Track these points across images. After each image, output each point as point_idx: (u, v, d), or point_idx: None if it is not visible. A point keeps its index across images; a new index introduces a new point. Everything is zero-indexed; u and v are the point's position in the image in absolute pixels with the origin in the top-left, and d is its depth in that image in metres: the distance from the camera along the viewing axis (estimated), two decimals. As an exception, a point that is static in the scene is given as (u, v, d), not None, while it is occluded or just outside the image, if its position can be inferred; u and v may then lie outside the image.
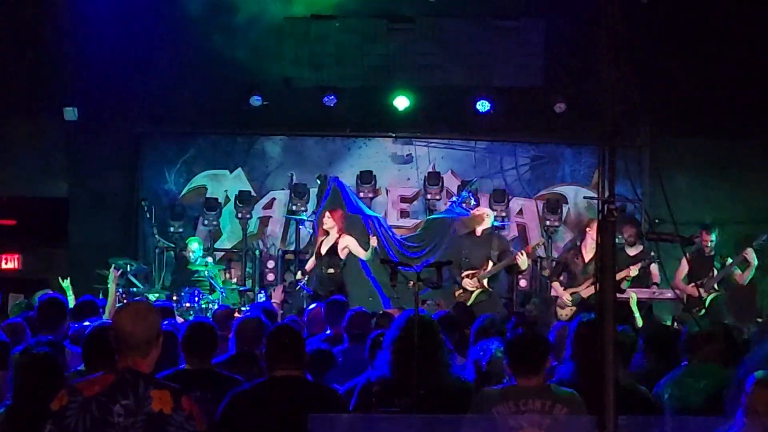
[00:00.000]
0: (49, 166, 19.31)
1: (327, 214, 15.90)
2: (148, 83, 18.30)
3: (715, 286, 14.95)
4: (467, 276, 15.34)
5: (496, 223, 16.77)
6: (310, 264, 16.09)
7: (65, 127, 18.87)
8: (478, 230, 15.56)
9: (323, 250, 15.63)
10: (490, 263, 15.34)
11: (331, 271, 15.61)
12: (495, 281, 15.73)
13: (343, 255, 15.61)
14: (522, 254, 15.31)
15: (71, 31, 17.92)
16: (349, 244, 15.60)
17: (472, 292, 15.32)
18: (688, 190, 17.80)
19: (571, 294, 15.04)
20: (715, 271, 15.01)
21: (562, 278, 15.48)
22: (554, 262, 16.85)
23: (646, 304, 14.59)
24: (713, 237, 15.05)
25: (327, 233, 15.72)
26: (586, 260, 14.82)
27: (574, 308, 14.84)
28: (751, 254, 14.97)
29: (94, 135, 18.80)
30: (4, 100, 18.55)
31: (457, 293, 15.45)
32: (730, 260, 15.11)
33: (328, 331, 10.62)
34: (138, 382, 4.88)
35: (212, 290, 16.57)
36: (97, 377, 4.98)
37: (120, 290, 15.39)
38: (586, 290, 14.64)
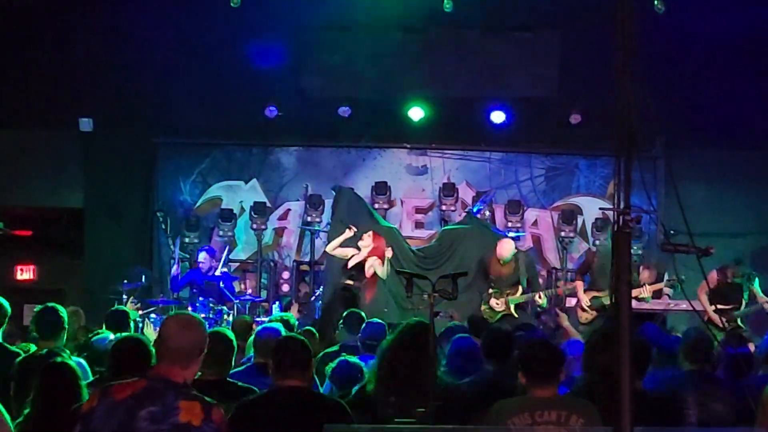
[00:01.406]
0: (64, 177, 19.36)
1: (371, 234, 15.97)
2: (163, 94, 18.33)
3: (739, 321, 14.76)
4: (495, 296, 15.47)
5: (512, 234, 16.82)
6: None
7: (81, 138, 18.93)
8: (503, 264, 15.72)
9: (350, 263, 15.73)
10: (520, 288, 15.48)
11: (350, 282, 15.66)
12: (521, 309, 15.80)
13: (368, 274, 15.74)
14: (540, 297, 15.52)
15: (87, 43, 17.95)
16: (374, 265, 15.70)
17: (498, 312, 15.46)
18: (703, 201, 17.76)
19: (592, 298, 15.05)
20: (743, 303, 14.81)
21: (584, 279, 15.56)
22: (580, 263, 16.79)
23: (660, 316, 14.55)
24: (741, 271, 14.84)
25: (359, 249, 15.81)
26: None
27: (594, 313, 14.86)
28: None
29: (110, 146, 18.84)
30: (20, 112, 18.59)
31: (483, 308, 15.55)
32: (758, 290, 14.86)
33: (351, 341, 10.64)
34: (168, 390, 4.89)
35: (226, 301, 16.60)
36: (130, 382, 4.99)
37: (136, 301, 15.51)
38: (608, 298, 14.60)
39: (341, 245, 16.34)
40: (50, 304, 8.98)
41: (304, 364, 6.60)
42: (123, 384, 4.99)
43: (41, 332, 8.70)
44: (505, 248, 15.83)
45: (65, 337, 8.91)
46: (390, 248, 16.27)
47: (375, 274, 15.76)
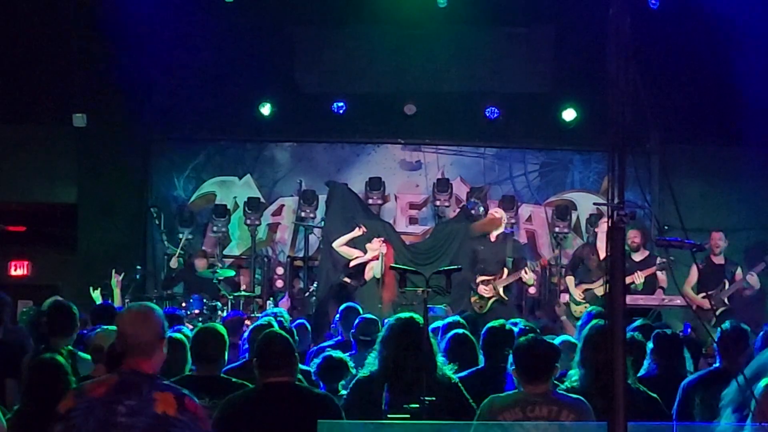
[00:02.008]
0: (58, 173, 19.33)
1: (381, 240, 16.02)
2: (157, 90, 18.32)
3: (725, 300, 14.85)
4: (483, 282, 15.40)
5: (506, 230, 16.82)
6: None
7: (74, 134, 18.87)
8: (493, 235, 15.60)
9: (352, 263, 15.79)
10: (506, 270, 15.41)
11: (347, 280, 15.68)
12: (509, 290, 15.76)
13: (367, 277, 15.80)
14: (526, 272, 15.42)
15: (79, 38, 17.92)
16: (374, 268, 15.75)
17: (489, 299, 15.39)
18: (697, 197, 17.76)
19: (584, 291, 15.07)
20: (726, 283, 14.93)
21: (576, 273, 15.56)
22: (571, 258, 16.78)
23: (655, 311, 14.57)
24: (722, 235, 14.99)
25: (365, 251, 15.85)
26: (601, 257, 14.80)
27: (587, 305, 14.86)
28: (754, 280, 14.97)
29: (103, 141, 18.79)
30: (13, 107, 18.58)
31: (473, 299, 15.51)
32: (740, 272, 15.04)
33: (340, 337, 10.66)
34: (142, 383, 4.91)
35: (221, 297, 16.61)
36: (103, 379, 5.04)
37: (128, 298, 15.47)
38: (600, 288, 14.61)
39: (347, 244, 16.38)
40: (61, 301, 8.96)
41: (288, 360, 6.58)
42: (96, 382, 5.04)
43: (53, 329, 8.65)
44: (497, 216, 15.82)
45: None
46: (385, 243, 16.29)
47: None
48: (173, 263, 17.58)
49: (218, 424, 6.26)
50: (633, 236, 15.03)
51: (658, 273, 14.86)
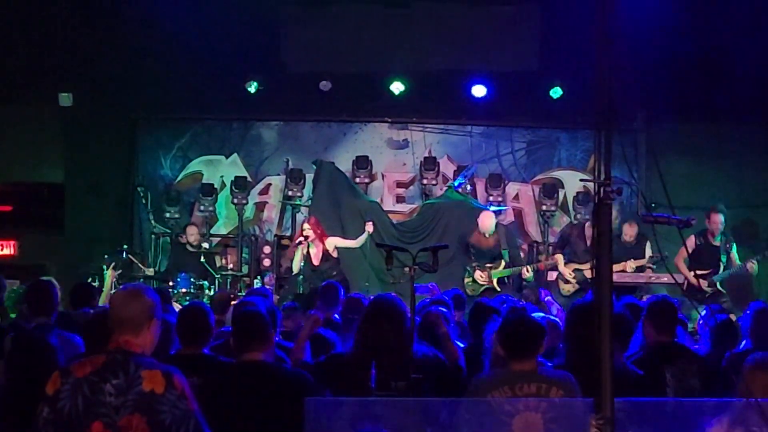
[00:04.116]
0: (44, 152, 19.30)
1: (306, 225, 15.97)
2: (143, 69, 18.27)
3: (718, 285, 14.83)
4: (480, 269, 15.48)
5: (494, 208, 16.85)
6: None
7: (61, 113, 18.85)
8: (487, 234, 15.70)
9: (316, 262, 15.72)
10: (503, 262, 15.48)
11: (334, 273, 15.66)
12: (503, 283, 15.80)
13: (335, 255, 15.77)
14: (528, 270, 15.52)
15: (66, 17, 17.86)
16: (336, 243, 15.79)
17: (481, 285, 15.47)
18: (684, 174, 17.75)
19: (573, 270, 15.09)
20: (721, 266, 14.90)
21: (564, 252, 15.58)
22: (559, 237, 16.78)
23: (642, 289, 14.62)
24: (722, 219, 14.96)
25: (309, 242, 15.74)
26: (588, 238, 14.83)
27: (577, 285, 14.88)
28: (753, 267, 14.95)
29: (90, 121, 18.78)
30: (-1, 86, 18.55)
31: (466, 280, 15.55)
32: (736, 256, 15.02)
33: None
34: (129, 361, 4.90)
35: (208, 276, 16.63)
36: (89, 358, 5.01)
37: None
38: (589, 270, 14.61)
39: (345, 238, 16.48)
40: (41, 279, 8.92)
41: (263, 337, 6.59)
42: (83, 362, 5.00)
43: (33, 307, 8.63)
44: (487, 221, 15.84)
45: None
46: (371, 223, 16.27)
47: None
48: (150, 272, 17.47)
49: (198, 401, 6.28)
50: (628, 230, 15.05)
51: (647, 251, 14.90)
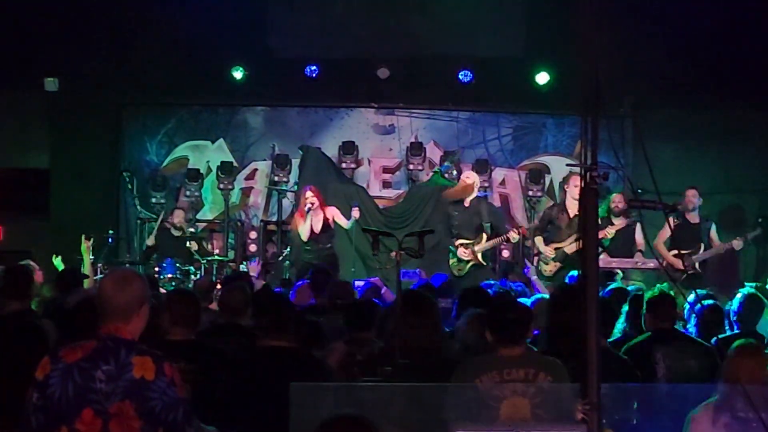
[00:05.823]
0: (30, 138, 19.24)
1: (309, 191, 15.77)
2: (129, 53, 18.22)
3: (696, 266, 14.83)
4: (462, 245, 15.34)
5: (479, 194, 16.81)
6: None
7: (46, 98, 18.79)
8: (467, 201, 15.51)
9: (317, 228, 15.55)
10: (485, 235, 15.35)
11: (329, 246, 15.61)
12: (487, 256, 15.73)
13: (332, 225, 15.69)
14: (514, 231, 15.41)
15: (52, 2, 17.80)
16: (334, 214, 15.66)
17: (467, 262, 15.33)
18: (671, 160, 17.77)
19: (555, 249, 15.01)
20: (702, 247, 14.89)
21: (545, 234, 15.50)
22: (538, 219, 16.70)
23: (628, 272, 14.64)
24: (696, 193, 14.93)
25: (310, 209, 15.55)
26: (570, 216, 14.77)
27: (558, 264, 14.84)
28: (739, 245, 14.96)
29: (75, 106, 18.71)
30: (-17, 72, 18.47)
31: (451, 262, 15.44)
32: (716, 238, 15.03)
33: (312, 301, 10.65)
34: (119, 348, 4.87)
35: (194, 262, 16.60)
36: (80, 344, 4.96)
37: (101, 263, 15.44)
38: (570, 246, 14.56)
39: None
40: (18, 264, 8.91)
41: (287, 324, 6.61)
42: (73, 347, 4.95)
43: (10, 291, 8.61)
44: (474, 182, 15.73)
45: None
46: (357, 209, 16.19)
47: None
48: (150, 241, 17.38)
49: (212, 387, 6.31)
50: (617, 201, 15.01)
51: (637, 237, 14.89)
